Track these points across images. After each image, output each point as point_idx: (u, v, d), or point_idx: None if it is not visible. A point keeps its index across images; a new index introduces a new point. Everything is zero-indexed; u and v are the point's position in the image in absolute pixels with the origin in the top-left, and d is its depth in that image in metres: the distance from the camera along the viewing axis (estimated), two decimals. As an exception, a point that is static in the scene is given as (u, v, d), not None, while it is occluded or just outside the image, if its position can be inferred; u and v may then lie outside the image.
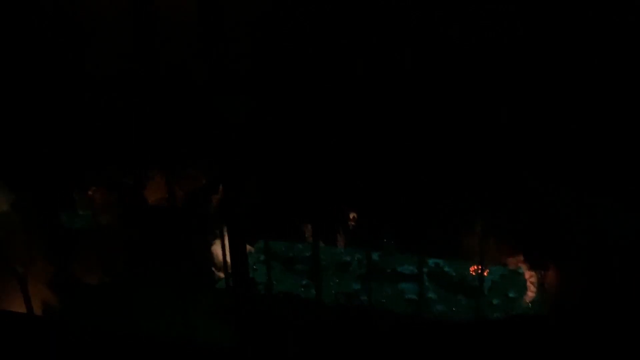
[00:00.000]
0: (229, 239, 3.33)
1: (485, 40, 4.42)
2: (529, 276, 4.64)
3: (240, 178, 3.28)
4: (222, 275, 5.28)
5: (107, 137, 6.15)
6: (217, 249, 5.31)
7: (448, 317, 4.42)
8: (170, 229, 5.80)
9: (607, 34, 4.32)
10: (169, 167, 6.34)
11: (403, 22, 4.53)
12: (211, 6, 2.97)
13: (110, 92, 6.07)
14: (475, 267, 4.82)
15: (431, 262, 5.10)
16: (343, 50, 5.00)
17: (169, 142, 6.26)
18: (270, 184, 5.60)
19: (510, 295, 4.60)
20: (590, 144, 4.58)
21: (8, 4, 5.86)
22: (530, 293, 4.57)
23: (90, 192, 6.08)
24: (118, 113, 6.16)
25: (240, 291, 3.44)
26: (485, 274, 4.78)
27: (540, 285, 4.58)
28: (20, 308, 4.24)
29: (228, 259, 5.30)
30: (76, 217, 5.95)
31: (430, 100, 5.04)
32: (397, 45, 4.82)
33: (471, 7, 4.60)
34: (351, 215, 5.64)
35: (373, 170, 5.30)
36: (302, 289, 4.91)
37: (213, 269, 5.30)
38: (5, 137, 5.74)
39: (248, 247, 5.71)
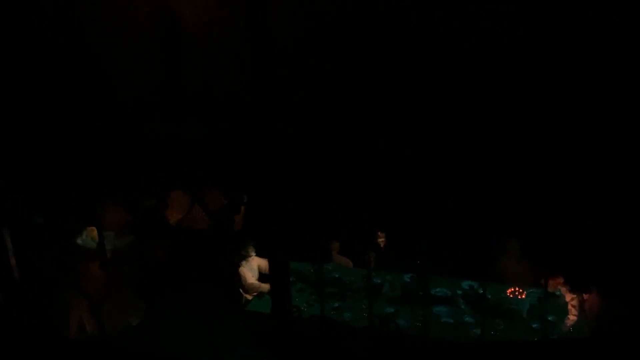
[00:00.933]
0: (270, 262, 3.22)
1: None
2: (570, 299, 4.49)
3: (283, 200, 3.19)
4: (249, 297, 5.16)
5: (131, 159, 6.11)
6: (244, 270, 5.20)
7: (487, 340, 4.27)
8: (195, 250, 5.71)
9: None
10: (191, 188, 6.28)
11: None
12: (260, 29, 2.90)
13: (137, 115, 6.04)
14: (513, 290, 4.68)
15: (465, 284, 4.96)
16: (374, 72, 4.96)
17: (191, 163, 6.20)
18: (296, 203, 5.51)
19: (550, 318, 4.45)
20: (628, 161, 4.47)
21: (37, 34, 5.87)
22: (572, 317, 4.41)
23: (112, 213, 6.01)
24: (142, 135, 6.12)
25: (280, 315, 3.31)
26: (522, 296, 4.64)
27: (581, 309, 4.43)
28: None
29: (251, 280, 5.20)
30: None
31: (463, 121, 4.97)
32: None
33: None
34: (381, 237, 5.53)
35: (405, 190, 5.21)
36: (333, 312, 4.77)
37: (241, 290, 5.18)
38: (33, 162, 5.72)
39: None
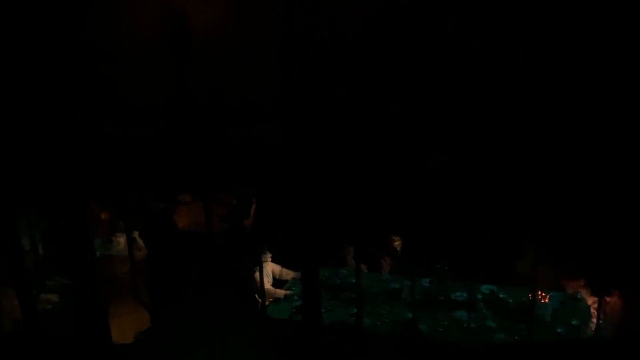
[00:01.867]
0: (301, 268, 3.15)
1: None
2: (592, 302, 4.47)
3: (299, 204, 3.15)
4: (265, 303, 5.07)
5: (138, 162, 5.99)
6: (259, 276, 5.09)
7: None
8: (206, 255, 5.60)
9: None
10: (200, 191, 6.17)
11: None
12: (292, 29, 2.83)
13: (143, 118, 5.93)
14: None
15: (484, 288, 4.92)
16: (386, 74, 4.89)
17: (200, 166, 6.10)
18: (310, 207, 5.43)
19: (574, 322, 4.42)
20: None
21: (43, 32, 5.74)
22: (595, 320, 4.38)
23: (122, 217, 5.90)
24: (150, 138, 6.01)
25: (310, 323, 3.24)
26: (545, 300, 4.60)
27: (604, 312, 4.40)
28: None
29: (267, 285, 5.10)
30: (107, 243, 5.75)
31: (478, 122, 4.93)
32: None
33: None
34: (397, 240, 5.47)
35: (421, 193, 5.15)
36: (352, 318, 4.70)
37: (256, 296, 5.08)
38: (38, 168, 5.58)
39: (291, 274, 5.52)
